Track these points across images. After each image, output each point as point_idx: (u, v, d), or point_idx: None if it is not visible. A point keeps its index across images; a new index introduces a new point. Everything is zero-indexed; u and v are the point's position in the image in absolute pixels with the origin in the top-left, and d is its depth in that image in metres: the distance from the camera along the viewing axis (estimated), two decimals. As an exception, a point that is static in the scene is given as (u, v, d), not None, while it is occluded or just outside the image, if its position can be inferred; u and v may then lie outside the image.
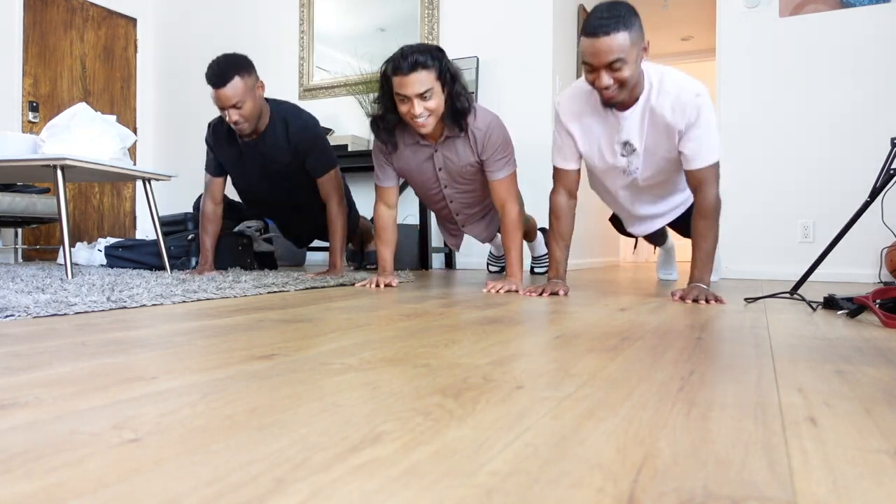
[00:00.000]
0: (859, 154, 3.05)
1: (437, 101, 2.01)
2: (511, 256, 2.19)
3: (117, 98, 5.06)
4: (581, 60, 1.80)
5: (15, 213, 3.74)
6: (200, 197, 2.90)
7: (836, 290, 2.19)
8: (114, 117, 2.60)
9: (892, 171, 1.78)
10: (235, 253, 3.10)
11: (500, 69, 3.83)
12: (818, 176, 3.14)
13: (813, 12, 3.15)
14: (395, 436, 0.52)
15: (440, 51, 2.04)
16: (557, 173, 2.06)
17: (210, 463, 0.45)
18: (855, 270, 3.05)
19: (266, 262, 3.40)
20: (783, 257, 3.19)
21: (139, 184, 5.12)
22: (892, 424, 0.58)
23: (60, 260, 3.80)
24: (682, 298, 1.79)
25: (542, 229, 3.16)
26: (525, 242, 3.03)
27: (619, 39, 1.66)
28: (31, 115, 4.43)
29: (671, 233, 2.64)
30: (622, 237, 5.23)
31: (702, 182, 1.84)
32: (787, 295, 1.86)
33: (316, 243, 3.42)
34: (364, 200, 4.02)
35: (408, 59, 1.95)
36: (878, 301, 1.37)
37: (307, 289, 2.12)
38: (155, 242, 2.98)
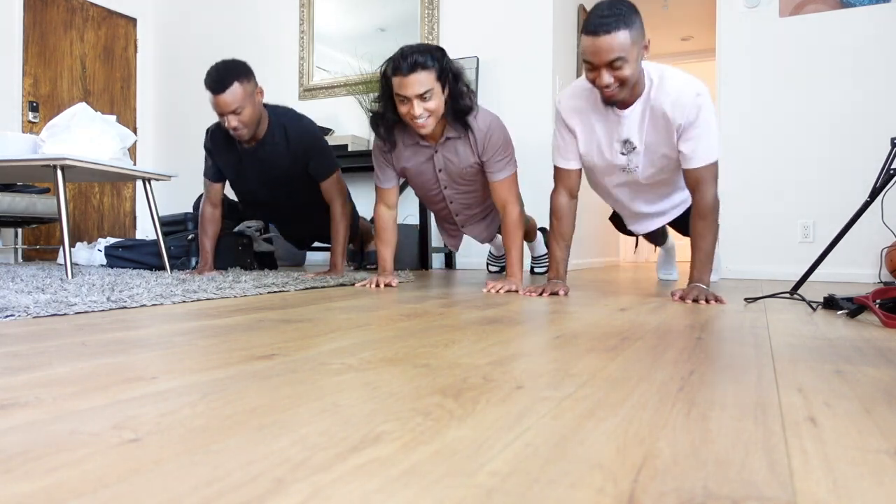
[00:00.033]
0: (859, 154, 3.05)
1: (436, 102, 2.01)
2: (511, 256, 2.19)
3: (117, 98, 5.06)
4: (582, 58, 1.80)
5: (15, 213, 3.74)
6: (200, 197, 2.90)
7: (836, 290, 2.19)
8: (114, 117, 2.60)
9: (892, 171, 1.78)
10: (235, 253, 3.10)
11: (500, 69, 3.83)
12: (818, 176, 3.14)
13: (813, 12, 3.15)
14: (395, 436, 0.52)
15: (440, 51, 2.03)
16: (558, 173, 2.06)
17: (210, 463, 0.45)
18: (855, 270, 3.05)
19: (266, 262, 3.40)
20: (783, 257, 3.19)
21: (139, 184, 5.12)
22: (892, 424, 0.58)
23: (60, 260, 3.80)
24: (682, 298, 1.79)
25: (542, 229, 3.16)
26: (525, 242, 3.03)
27: (620, 38, 1.66)
28: (31, 115, 4.43)
29: (671, 232, 2.64)
30: (622, 237, 5.24)
31: (700, 181, 1.84)
32: (787, 295, 1.86)
33: (317, 243, 3.42)
34: (364, 200, 4.02)
35: (407, 60, 1.95)
36: (878, 301, 1.37)
37: (307, 289, 2.12)
38: (155, 242, 2.98)
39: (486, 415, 0.59)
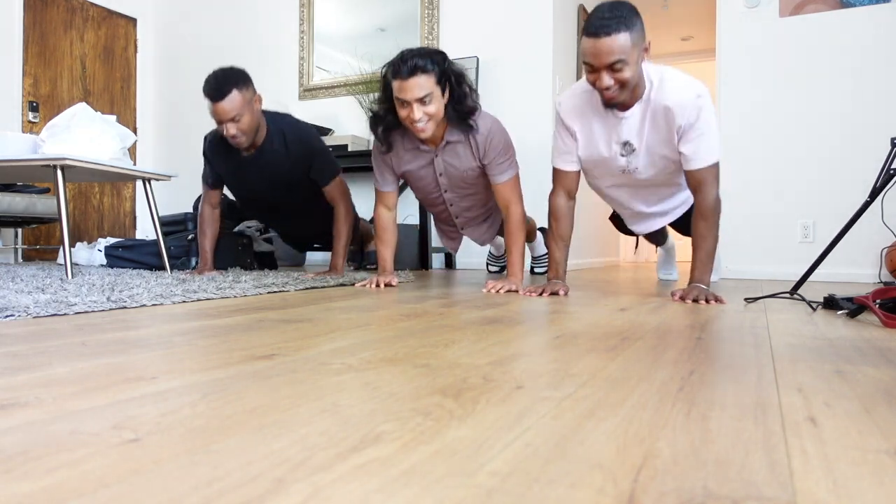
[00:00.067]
0: (859, 154, 3.05)
1: (436, 106, 2.00)
2: (513, 257, 2.19)
3: (117, 98, 5.06)
4: (582, 60, 1.79)
5: (15, 213, 3.74)
6: (200, 197, 2.90)
7: (836, 290, 2.19)
8: (114, 117, 2.60)
9: (892, 171, 1.78)
10: (235, 253, 3.10)
11: (500, 69, 3.83)
12: (818, 176, 3.14)
13: (813, 12, 3.15)
14: (395, 436, 0.52)
15: (440, 54, 2.03)
16: (557, 174, 2.06)
17: (210, 463, 0.45)
18: (855, 270, 3.05)
19: (266, 262, 3.40)
20: (783, 257, 3.19)
21: (139, 184, 5.12)
22: (892, 424, 0.58)
23: (60, 260, 3.80)
24: (682, 298, 1.79)
25: (542, 229, 3.16)
26: (525, 243, 3.04)
27: (621, 40, 1.66)
28: (31, 115, 4.43)
29: (671, 232, 2.64)
30: (622, 237, 5.24)
31: (701, 182, 1.84)
32: (787, 295, 1.86)
33: (316, 245, 3.43)
34: (364, 200, 4.02)
35: (407, 64, 1.95)
36: (878, 301, 1.37)
37: (307, 289, 2.12)
38: (155, 242, 2.98)
39: (486, 415, 0.59)
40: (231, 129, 2.35)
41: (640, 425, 0.56)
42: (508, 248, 2.21)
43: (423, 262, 3.70)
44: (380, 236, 2.36)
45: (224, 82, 2.32)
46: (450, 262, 3.94)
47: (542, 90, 3.72)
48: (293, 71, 4.59)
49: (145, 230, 5.16)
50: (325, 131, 4.17)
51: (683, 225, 2.34)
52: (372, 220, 2.61)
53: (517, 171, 2.23)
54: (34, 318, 1.29)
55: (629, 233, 2.55)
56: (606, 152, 1.96)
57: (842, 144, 3.09)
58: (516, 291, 2.05)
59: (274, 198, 2.71)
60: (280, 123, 2.56)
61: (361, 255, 3.35)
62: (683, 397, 0.67)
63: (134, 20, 5.17)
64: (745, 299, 1.81)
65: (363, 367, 0.81)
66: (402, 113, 2.01)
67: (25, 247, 4.39)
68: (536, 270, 3.30)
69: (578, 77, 4.22)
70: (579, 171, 2.06)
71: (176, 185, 4.98)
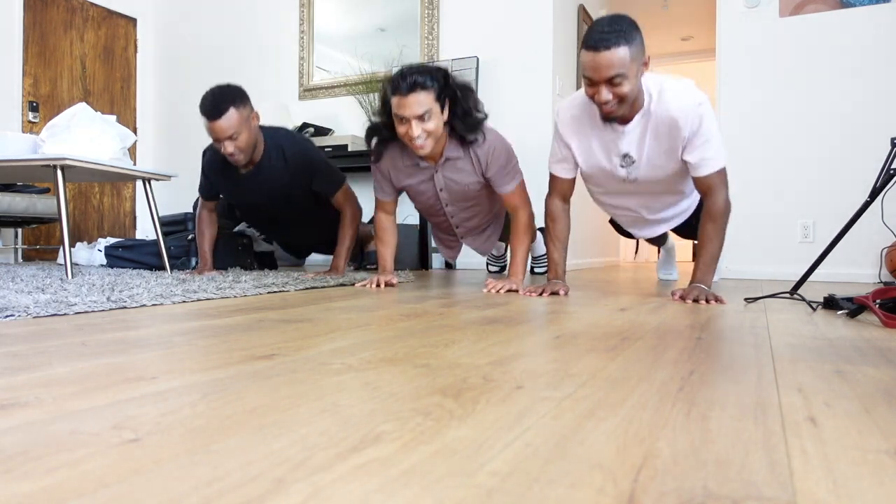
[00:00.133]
0: (859, 154, 3.05)
1: (435, 123, 1.98)
2: (516, 258, 2.19)
3: (117, 98, 5.06)
4: (582, 73, 1.78)
5: (15, 213, 3.74)
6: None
7: (836, 290, 2.19)
8: (114, 117, 2.60)
9: (892, 171, 1.78)
10: (235, 253, 3.10)
11: (500, 69, 3.83)
12: (818, 176, 3.14)
13: (813, 12, 3.15)
14: (395, 436, 0.52)
15: (441, 71, 2.01)
16: (554, 180, 2.07)
17: (210, 463, 0.45)
18: (855, 270, 3.05)
19: (266, 262, 3.40)
20: (783, 257, 3.19)
21: (139, 184, 5.12)
22: (892, 424, 0.58)
23: (60, 260, 3.80)
24: (683, 298, 1.79)
25: (541, 229, 3.16)
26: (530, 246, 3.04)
27: (620, 54, 1.64)
28: (31, 115, 4.43)
29: (671, 233, 2.64)
30: (622, 238, 5.23)
31: (710, 188, 1.85)
32: (787, 295, 1.86)
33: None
34: (364, 201, 4.01)
35: (406, 80, 1.93)
36: (878, 301, 1.37)
37: (307, 289, 2.12)
38: (155, 242, 2.98)
39: (486, 415, 0.59)
40: (229, 147, 2.33)
41: (640, 425, 0.56)
42: (513, 249, 2.21)
43: (423, 262, 3.70)
44: (380, 237, 2.36)
45: (221, 100, 2.30)
46: (450, 263, 3.95)
47: (542, 90, 3.72)
48: (293, 71, 4.59)
49: (145, 230, 5.16)
50: (325, 131, 4.17)
51: (685, 229, 2.34)
52: (371, 221, 2.61)
53: (521, 177, 2.23)
54: (34, 318, 1.29)
55: (629, 236, 2.55)
56: (607, 164, 1.96)
57: (842, 144, 3.09)
58: (516, 291, 2.05)
59: (273, 210, 2.71)
60: (277, 138, 2.55)
61: (361, 256, 3.35)
62: (683, 397, 0.67)
63: (134, 20, 5.17)
64: (745, 299, 1.81)
65: (363, 367, 0.81)
66: (401, 130, 1.99)
67: (25, 247, 4.39)
68: (536, 270, 3.30)
69: (578, 77, 4.22)
70: (574, 178, 2.06)
71: (176, 185, 4.98)
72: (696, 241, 2.02)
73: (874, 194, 1.78)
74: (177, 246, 3.12)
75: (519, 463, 0.46)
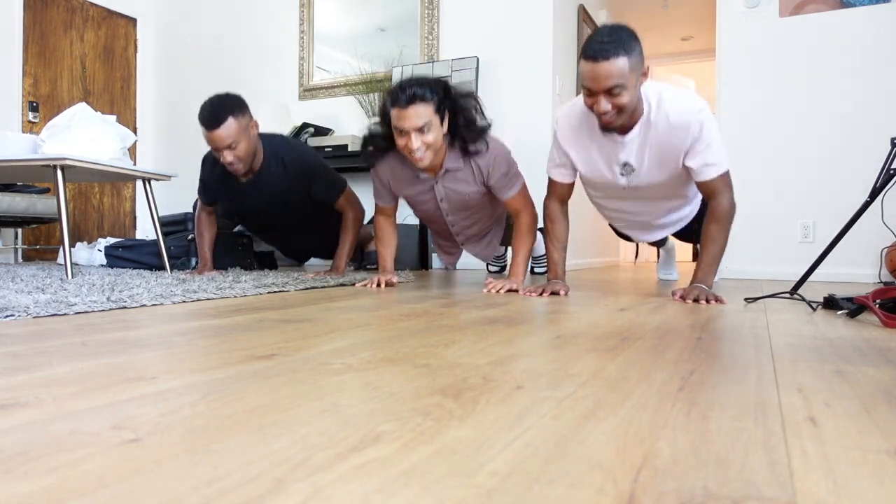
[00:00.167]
0: (859, 154, 3.05)
1: (434, 135, 1.97)
2: (517, 258, 2.19)
3: (117, 98, 5.06)
4: (581, 83, 1.78)
5: (15, 213, 3.74)
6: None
7: (836, 290, 2.19)
8: (114, 117, 2.60)
9: (892, 171, 1.78)
10: (235, 253, 3.10)
11: (500, 69, 3.83)
12: (818, 176, 3.14)
13: (813, 12, 3.15)
14: (395, 436, 0.52)
15: (440, 83, 2.00)
16: (552, 184, 2.07)
17: (210, 463, 0.45)
18: (855, 270, 3.05)
19: (266, 262, 3.40)
20: (783, 257, 3.19)
21: (139, 184, 5.12)
22: (892, 424, 0.58)
23: (60, 260, 3.80)
24: (683, 298, 1.79)
25: (541, 229, 3.16)
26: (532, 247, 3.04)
27: (619, 64, 1.63)
28: (31, 115, 4.43)
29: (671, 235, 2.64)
30: (622, 240, 5.23)
31: (715, 191, 1.85)
32: (787, 295, 1.86)
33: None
34: (363, 201, 4.01)
35: (406, 92, 1.92)
36: (878, 301, 1.37)
37: (307, 289, 2.12)
38: (155, 242, 2.98)
39: (486, 415, 0.59)
40: (228, 157, 2.32)
41: (640, 425, 0.56)
42: (515, 249, 2.21)
43: (423, 262, 3.70)
44: (380, 238, 2.37)
45: (219, 109, 2.28)
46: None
47: (542, 90, 3.72)
48: (293, 71, 4.59)
49: (145, 230, 5.16)
50: (325, 131, 4.17)
51: (685, 233, 2.35)
52: (371, 221, 2.61)
53: (522, 181, 2.22)
54: (34, 318, 1.29)
55: (629, 239, 2.55)
56: (607, 173, 1.96)
57: (842, 144, 3.09)
58: (516, 291, 2.05)
59: (273, 217, 2.70)
60: (276, 145, 2.54)
61: (361, 256, 3.35)
62: (683, 397, 0.67)
63: (134, 20, 5.17)
64: (745, 299, 1.81)
65: (363, 367, 0.81)
66: (401, 142, 1.98)
67: (25, 247, 4.39)
68: (536, 270, 3.30)
69: (578, 78, 4.22)
70: (573, 182, 2.07)
71: (176, 185, 4.98)
72: (697, 244, 2.02)
73: (874, 194, 1.78)
74: (177, 246, 3.12)
75: (519, 463, 0.46)
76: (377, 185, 2.30)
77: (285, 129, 4.14)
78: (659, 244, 2.77)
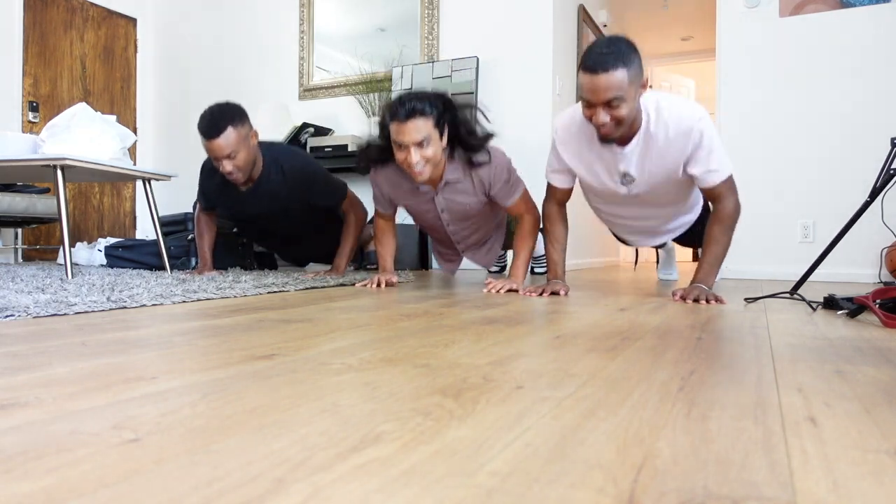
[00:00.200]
0: (859, 154, 3.05)
1: (434, 150, 1.96)
2: (518, 259, 2.19)
3: (117, 98, 5.06)
4: (580, 95, 1.77)
5: (15, 213, 3.74)
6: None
7: (836, 290, 2.19)
8: (114, 117, 2.60)
9: (892, 171, 1.78)
10: (235, 253, 3.10)
11: (500, 69, 3.83)
12: (818, 176, 3.14)
13: (813, 12, 3.15)
14: (395, 436, 0.52)
15: (440, 97, 1.99)
16: (551, 188, 2.08)
17: (210, 463, 0.45)
18: (855, 270, 3.05)
19: (266, 262, 3.40)
20: (783, 257, 3.19)
21: (139, 184, 5.12)
22: (892, 424, 0.58)
23: (60, 260, 3.80)
24: (683, 298, 1.79)
25: (541, 229, 3.16)
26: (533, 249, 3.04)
27: (618, 76, 1.62)
28: (31, 115, 4.43)
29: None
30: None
31: (719, 196, 1.85)
32: (787, 295, 1.86)
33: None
34: (363, 201, 4.01)
35: (405, 106, 1.91)
36: (878, 301, 1.37)
37: (307, 289, 2.12)
38: (155, 242, 2.98)
39: (486, 415, 0.59)
40: (227, 166, 2.31)
41: (640, 425, 0.56)
42: (516, 250, 2.21)
43: (423, 262, 3.70)
44: (379, 239, 2.37)
45: (219, 119, 2.27)
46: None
47: (542, 90, 3.72)
48: (293, 71, 4.59)
49: (145, 230, 5.16)
50: (325, 131, 4.17)
51: (686, 239, 2.35)
52: (371, 221, 2.61)
53: (523, 185, 2.22)
54: (34, 318, 1.29)
55: (628, 243, 2.55)
56: (608, 181, 1.95)
57: (842, 144, 3.09)
58: (516, 291, 2.05)
59: (272, 225, 2.70)
60: (277, 154, 2.53)
61: (361, 256, 3.35)
62: (683, 397, 0.67)
63: (134, 20, 5.17)
64: (745, 299, 1.81)
65: (363, 367, 0.81)
66: (400, 156, 1.97)
67: (25, 247, 4.39)
68: (536, 270, 3.30)
69: (578, 77, 4.21)
70: (572, 187, 2.07)
71: (176, 185, 4.97)
72: (698, 248, 2.01)
73: (874, 194, 1.78)
74: (177, 246, 3.12)
75: (519, 463, 0.46)
76: (376, 193, 2.30)
77: (285, 129, 4.13)
78: (659, 245, 2.77)
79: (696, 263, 1.94)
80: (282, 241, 2.92)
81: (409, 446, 0.49)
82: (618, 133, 1.75)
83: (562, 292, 1.96)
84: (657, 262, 3.02)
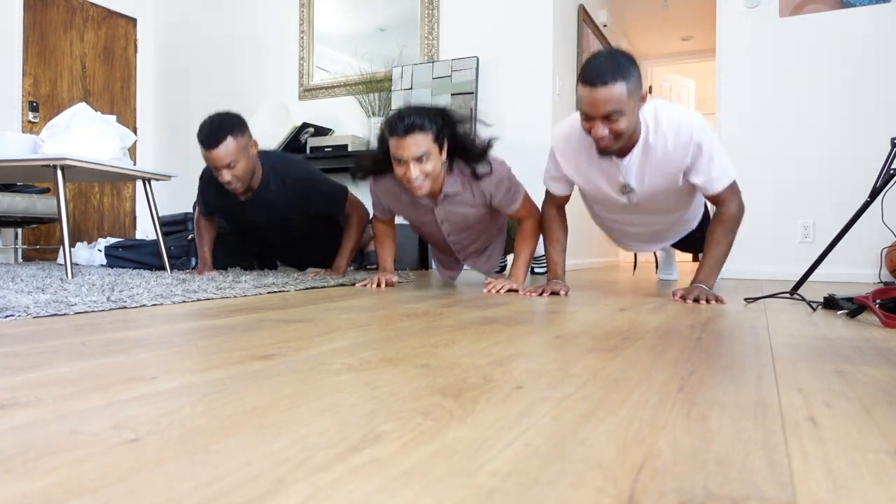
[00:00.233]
0: (859, 154, 3.05)
1: (433, 165, 1.95)
2: (518, 259, 2.19)
3: (117, 98, 5.06)
4: (579, 108, 1.76)
5: (15, 213, 3.74)
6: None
7: (836, 290, 2.18)
8: (114, 117, 2.60)
9: (892, 171, 1.78)
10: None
11: (500, 69, 3.83)
12: (818, 176, 3.14)
13: (813, 12, 3.15)
14: (395, 436, 0.52)
15: (439, 111, 1.98)
16: (549, 194, 2.08)
17: (210, 463, 0.45)
18: (855, 270, 3.05)
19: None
20: (783, 257, 3.19)
21: (139, 184, 5.12)
22: (892, 424, 0.58)
23: (60, 260, 3.80)
24: (683, 298, 1.79)
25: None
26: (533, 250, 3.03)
27: (617, 90, 1.61)
28: (31, 115, 4.43)
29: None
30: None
31: (723, 201, 1.85)
32: (787, 295, 1.86)
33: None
34: (363, 201, 4.02)
35: (404, 121, 1.90)
36: (878, 301, 1.37)
37: (307, 289, 2.12)
38: (155, 242, 2.98)
39: (486, 415, 0.59)
40: (226, 176, 2.30)
41: (640, 425, 0.56)
42: (517, 251, 2.21)
43: (423, 262, 3.70)
44: (379, 239, 2.37)
45: (218, 129, 2.27)
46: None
47: (542, 90, 3.72)
48: (293, 71, 4.59)
49: (145, 230, 5.16)
50: (325, 131, 4.17)
51: (686, 244, 2.35)
52: (371, 221, 2.61)
53: (524, 190, 2.21)
54: (34, 318, 1.29)
55: (628, 249, 2.55)
56: (608, 191, 1.95)
57: (842, 144, 3.09)
58: (516, 291, 2.05)
59: (271, 231, 2.70)
60: (276, 163, 2.52)
61: (361, 256, 3.35)
62: (683, 397, 0.67)
63: (134, 20, 5.17)
64: (745, 299, 1.81)
65: (363, 367, 0.81)
66: (399, 171, 1.96)
67: (25, 247, 4.39)
68: (537, 270, 3.30)
69: (578, 78, 4.21)
70: (570, 194, 2.07)
71: (176, 185, 4.97)
72: (699, 253, 2.02)
73: (874, 194, 1.78)
74: (177, 246, 3.12)
75: (519, 463, 0.46)
76: (375, 200, 2.30)
77: (285, 128, 4.13)
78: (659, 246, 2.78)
79: (696, 264, 1.94)
80: (281, 248, 2.93)
81: (409, 446, 0.49)
82: (616, 146, 1.74)
83: (562, 292, 1.96)
84: (656, 263, 3.02)
